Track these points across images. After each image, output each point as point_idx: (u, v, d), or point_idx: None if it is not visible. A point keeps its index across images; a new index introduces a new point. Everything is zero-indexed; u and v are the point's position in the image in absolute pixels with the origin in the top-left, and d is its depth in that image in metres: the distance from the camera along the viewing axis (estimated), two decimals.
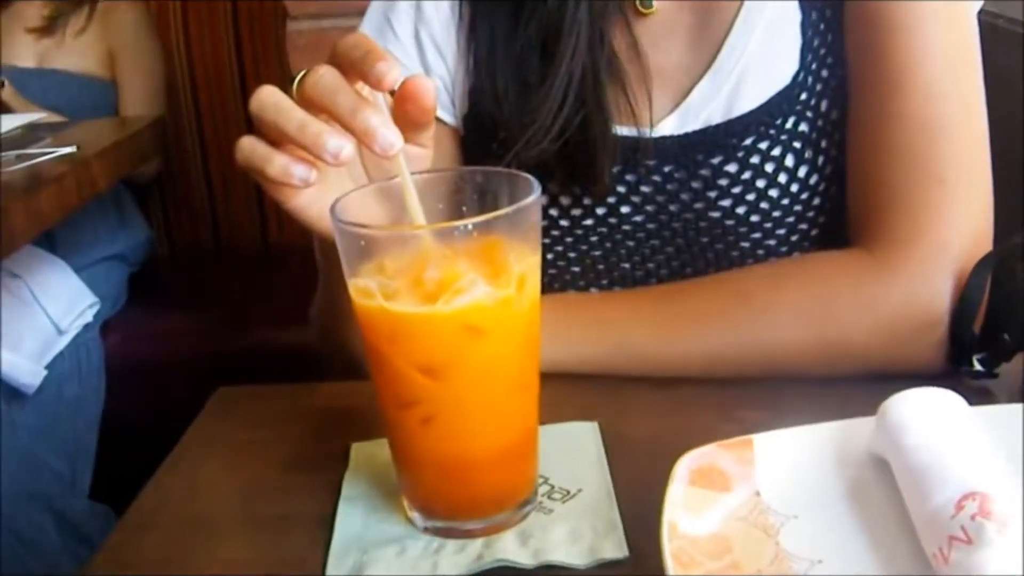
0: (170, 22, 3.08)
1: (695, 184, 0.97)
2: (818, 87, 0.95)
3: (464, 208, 0.69)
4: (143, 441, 1.30)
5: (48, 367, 2.30)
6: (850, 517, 0.62)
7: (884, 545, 0.60)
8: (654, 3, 0.98)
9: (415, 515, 0.69)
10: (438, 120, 0.99)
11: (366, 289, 0.64)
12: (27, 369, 2.24)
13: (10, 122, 2.34)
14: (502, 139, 0.99)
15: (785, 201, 0.95)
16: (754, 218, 0.96)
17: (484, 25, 1.01)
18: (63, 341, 2.36)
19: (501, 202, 0.66)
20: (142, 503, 0.77)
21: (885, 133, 0.88)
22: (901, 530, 0.60)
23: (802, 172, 0.95)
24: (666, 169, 0.98)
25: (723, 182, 0.96)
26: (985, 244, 0.86)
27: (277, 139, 0.69)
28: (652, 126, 0.97)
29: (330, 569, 0.66)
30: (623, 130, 0.97)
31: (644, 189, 0.98)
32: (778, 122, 0.95)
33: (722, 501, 0.63)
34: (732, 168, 0.96)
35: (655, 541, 0.57)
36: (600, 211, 0.99)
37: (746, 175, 0.95)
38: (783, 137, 0.95)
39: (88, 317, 2.43)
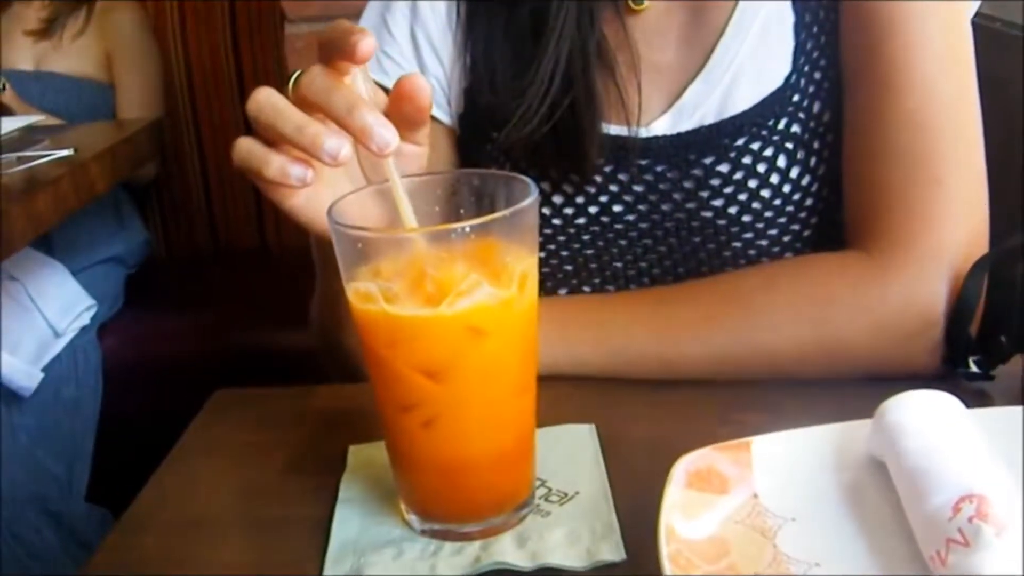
0: (167, 24, 3.08)
1: (687, 184, 0.97)
2: (810, 89, 0.95)
3: (461, 210, 0.69)
4: (141, 443, 1.30)
5: (45, 369, 2.30)
6: (848, 520, 0.62)
7: (882, 548, 0.60)
8: (646, 1, 0.98)
9: (412, 517, 0.69)
10: (434, 119, 1.00)
11: (366, 293, 0.64)
12: (24, 372, 2.24)
13: (8, 125, 2.34)
14: (497, 138, 1.00)
15: (777, 202, 0.96)
16: (746, 218, 0.96)
17: (480, 19, 1.02)
18: (60, 343, 2.36)
19: (498, 204, 0.67)
20: (139, 505, 0.77)
21: (880, 134, 0.89)
22: (898, 532, 0.60)
23: (794, 173, 0.95)
24: (658, 169, 0.98)
25: (715, 182, 0.96)
26: (981, 246, 0.86)
27: (274, 140, 0.69)
28: (641, 123, 0.98)
29: (327, 571, 0.66)
30: (615, 129, 0.98)
31: (636, 188, 0.99)
32: (770, 123, 0.95)
33: (720, 504, 0.63)
34: (724, 168, 0.96)
35: (652, 544, 0.57)
36: (592, 210, 1.00)
37: (738, 175, 0.96)
38: (775, 138, 0.95)
39: (85, 319, 2.43)
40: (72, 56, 2.78)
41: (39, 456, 2.25)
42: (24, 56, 2.80)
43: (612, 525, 0.67)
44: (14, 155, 2.03)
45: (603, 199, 0.99)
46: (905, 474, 0.61)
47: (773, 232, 0.96)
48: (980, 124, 0.89)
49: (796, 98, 0.95)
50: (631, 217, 1.00)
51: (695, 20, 0.98)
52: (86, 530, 2.27)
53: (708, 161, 0.96)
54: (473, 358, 0.64)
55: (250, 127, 0.70)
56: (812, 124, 0.95)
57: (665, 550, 0.56)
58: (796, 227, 0.97)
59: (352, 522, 0.71)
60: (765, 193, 0.96)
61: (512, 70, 0.99)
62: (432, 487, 0.69)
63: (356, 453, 0.79)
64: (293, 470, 0.79)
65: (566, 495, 0.71)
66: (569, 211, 1.00)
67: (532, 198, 0.64)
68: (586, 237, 1.01)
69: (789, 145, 0.95)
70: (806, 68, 0.95)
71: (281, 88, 0.70)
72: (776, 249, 0.97)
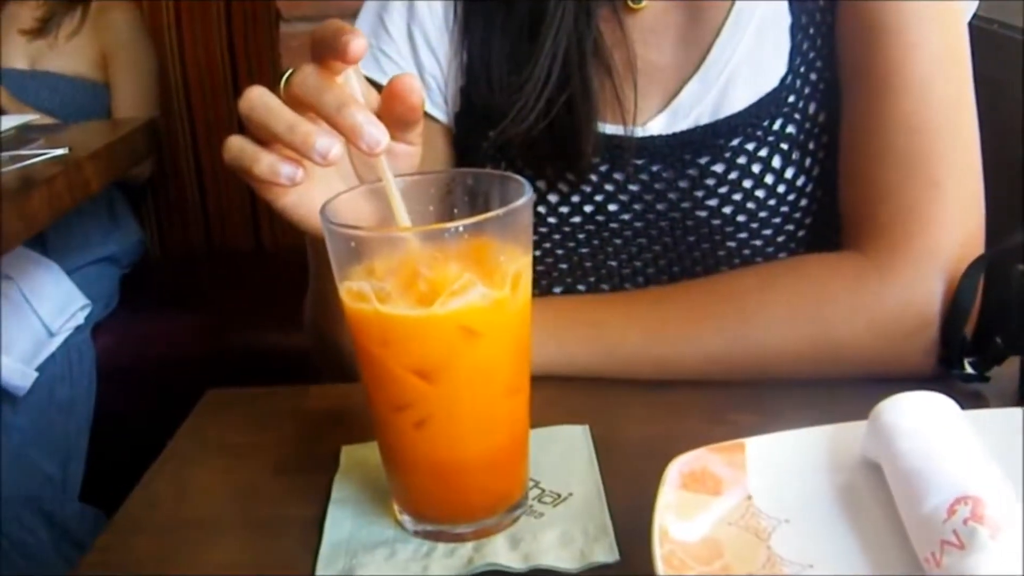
0: (163, 24, 3.08)
1: (682, 183, 0.97)
2: (806, 90, 0.95)
3: (455, 210, 0.69)
4: (135, 443, 1.29)
5: (39, 369, 2.29)
6: (842, 521, 0.62)
7: (876, 549, 0.59)
8: (644, 0, 0.98)
9: (405, 518, 0.69)
10: (431, 118, 1.01)
11: (359, 292, 0.63)
12: (18, 371, 2.24)
13: (2, 123, 2.33)
14: (493, 138, 1.00)
15: (772, 202, 0.96)
16: (740, 218, 0.96)
17: (478, 16, 1.02)
18: (54, 343, 2.35)
19: (492, 204, 0.66)
20: (131, 505, 0.76)
21: (877, 135, 0.89)
22: (893, 534, 0.59)
23: (789, 173, 0.95)
24: (654, 168, 0.98)
25: (710, 182, 0.96)
26: (977, 247, 0.86)
27: (266, 139, 0.69)
28: (637, 123, 0.98)
29: (319, 572, 0.65)
30: (611, 128, 0.98)
31: (632, 188, 0.99)
32: (765, 124, 0.95)
33: (713, 505, 0.63)
34: (719, 168, 0.96)
35: (646, 545, 0.57)
36: (588, 209, 1.00)
37: (733, 175, 0.96)
38: (770, 138, 0.95)
39: (79, 319, 2.43)
40: (67, 55, 2.78)
41: (33, 456, 2.25)
42: (19, 55, 2.80)
43: (605, 526, 0.67)
44: (8, 154, 2.03)
45: (598, 198, 0.99)
46: (900, 476, 0.60)
47: (768, 232, 0.96)
48: (976, 126, 0.89)
49: (792, 99, 0.95)
50: (626, 216, 0.99)
51: (692, 20, 0.98)
52: (80, 530, 2.26)
53: (703, 161, 0.96)
54: (466, 358, 0.64)
55: (244, 126, 0.70)
56: (807, 125, 0.95)
57: (659, 551, 0.56)
58: (791, 227, 0.96)
59: (345, 522, 0.70)
60: (760, 193, 0.95)
61: (509, 67, 0.99)
62: (425, 488, 0.68)
63: (349, 453, 0.79)
64: (285, 470, 0.79)
65: (559, 496, 0.71)
66: (564, 210, 1.00)
67: (526, 198, 0.63)
68: (581, 236, 1.01)
69: (784, 146, 0.95)
70: (802, 69, 0.95)
71: (275, 87, 0.70)
72: (771, 249, 0.97)
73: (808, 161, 0.96)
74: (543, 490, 0.72)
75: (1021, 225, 0.93)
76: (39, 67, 2.78)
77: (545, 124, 0.96)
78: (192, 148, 3.12)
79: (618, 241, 1.00)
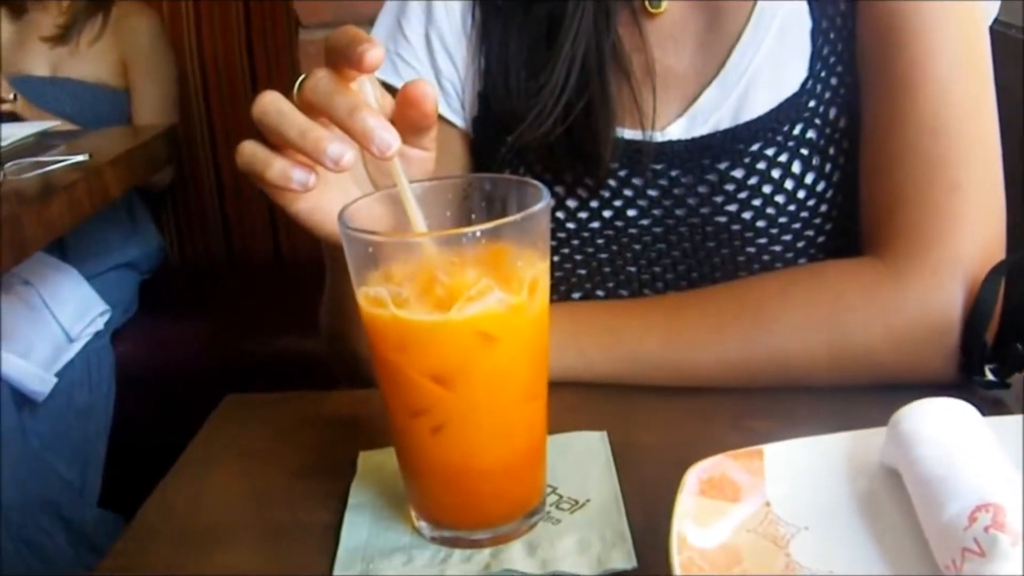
0: (183, 31, 3.09)
1: (702, 189, 0.97)
2: (827, 94, 0.95)
3: (472, 215, 0.69)
4: (153, 449, 1.30)
5: (58, 375, 2.30)
6: (861, 529, 0.62)
7: (896, 557, 0.59)
8: (663, 4, 0.98)
9: (422, 524, 0.69)
10: (448, 123, 1.01)
11: (376, 297, 0.63)
12: (37, 376, 2.25)
13: (23, 130, 2.35)
14: (511, 143, 0.99)
15: (791, 207, 0.95)
16: (760, 223, 0.96)
17: (496, 20, 1.02)
18: (74, 349, 2.36)
19: (510, 209, 0.66)
20: (149, 510, 0.76)
21: (897, 139, 0.88)
22: (913, 542, 0.59)
23: (809, 179, 0.95)
24: (673, 173, 0.98)
25: (730, 187, 0.96)
26: (998, 252, 0.85)
27: (279, 144, 0.69)
28: (656, 127, 0.97)
29: None
30: (629, 133, 0.98)
31: (651, 193, 0.98)
32: (786, 128, 0.95)
33: (732, 512, 0.62)
34: (739, 173, 0.96)
35: (664, 552, 0.56)
36: (606, 214, 0.99)
37: (753, 180, 0.95)
38: (791, 144, 0.95)
39: (99, 325, 2.44)
40: (88, 62, 2.80)
41: (51, 461, 2.25)
42: (40, 62, 2.81)
43: (623, 533, 0.67)
44: (29, 160, 2.04)
45: (617, 203, 0.99)
46: (920, 483, 0.60)
47: (787, 238, 0.96)
48: (997, 130, 0.89)
49: (812, 104, 0.95)
50: (645, 221, 0.99)
51: (712, 25, 0.98)
52: (98, 536, 2.27)
53: (723, 166, 0.96)
54: (483, 364, 0.64)
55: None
56: (828, 130, 0.95)
57: (677, 558, 0.56)
58: (810, 233, 0.96)
59: (361, 528, 0.70)
60: (780, 199, 0.95)
61: (527, 71, 0.99)
62: (442, 493, 0.68)
63: (366, 459, 0.79)
64: (302, 476, 0.79)
65: (577, 502, 0.71)
66: (583, 215, 1.00)
67: (544, 203, 0.63)
68: (600, 241, 1.00)
69: (804, 151, 0.95)
70: (823, 74, 0.95)
71: (292, 94, 0.70)
72: (790, 255, 0.96)
73: (828, 166, 0.95)
74: (560, 496, 0.72)
75: None
76: (60, 74, 2.80)
77: (563, 129, 0.96)
78: (211, 155, 3.12)
79: (637, 247, 1.00)
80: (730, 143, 0.96)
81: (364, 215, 0.66)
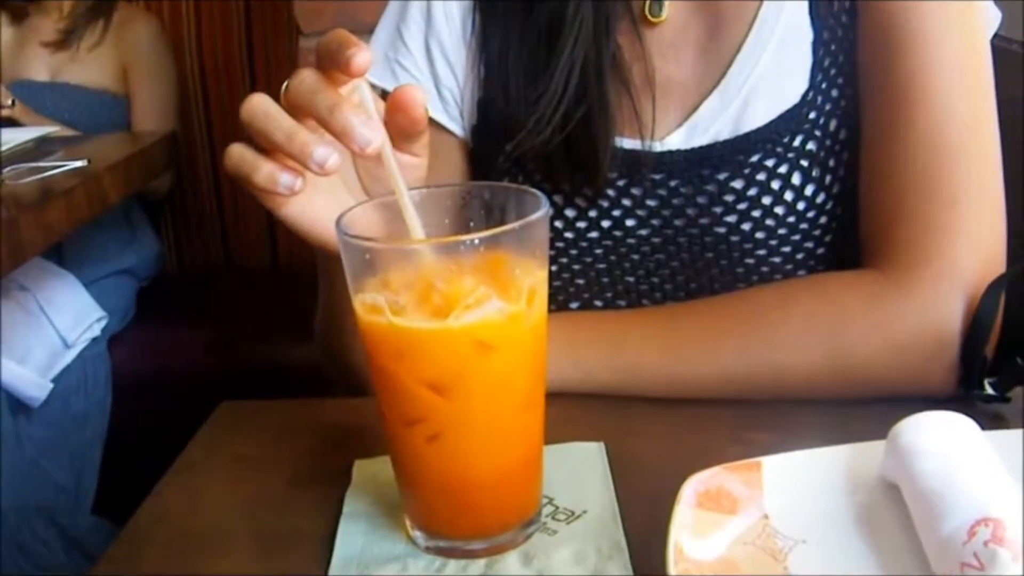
0: (183, 38, 3.09)
1: (701, 199, 0.97)
2: (827, 106, 0.95)
3: (471, 223, 0.68)
4: (149, 456, 1.29)
5: (55, 380, 2.29)
6: (860, 542, 0.62)
7: (894, 571, 0.59)
8: (664, 13, 0.98)
9: (417, 534, 0.68)
10: (447, 131, 1.01)
11: (373, 305, 0.63)
12: (33, 382, 2.24)
13: (22, 135, 2.34)
14: (510, 151, 0.99)
15: (791, 219, 0.95)
16: (759, 235, 0.96)
17: (496, 26, 1.02)
18: (70, 355, 2.35)
19: (508, 217, 0.66)
20: (142, 516, 0.76)
21: (897, 153, 0.88)
22: (912, 556, 0.59)
23: (808, 190, 0.95)
24: (672, 183, 0.97)
25: (729, 198, 0.96)
26: (998, 265, 0.85)
27: (267, 147, 0.69)
28: (655, 137, 0.97)
29: None
30: (629, 142, 0.98)
31: (650, 203, 0.98)
32: (786, 140, 0.94)
33: (729, 524, 0.62)
34: (738, 184, 0.95)
35: (661, 564, 0.56)
36: (605, 224, 0.99)
37: (752, 191, 0.95)
38: (790, 155, 0.94)
39: (96, 331, 2.43)
40: (88, 67, 2.79)
41: (47, 467, 2.25)
42: (40, 67, 2.81)
43: (620, 544, 0.66)
44: (27, 165, 2.04)
45: (616, 213, 0.99)
46: (919, 497, 0.60)
47: (786, 249, 0.96)
48: (998, 144, 0.89)
49: (812, 115, 0.95)
50: (644, 231, 0.99)
51: (712, 35, 0.98)
52: (91, 543, 2.26)
53: (722, 177, 0.96)
54: (480, 373, 0.63)
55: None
56: (828, 142, 0.95)
57: (673, 570, 0.56)
58: (810, 245, 0.96)
59: (356, 537, 0.70)
60: (779, 210, 0.95)
61: (526, 79, 0.99)
62: (437, 503, 0.68)
63: (361, 467, 0.78)
64: (297, 483, 0.78)
65: (573, 513, 0.71)
66: (581, 225, 1.00)
67: (542, 211, 0.63)
68: (598, 251, 1.00)
69: (804, 162, 0.94)
70: (823, 85, 0.95)
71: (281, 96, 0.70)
72: (789, 266, 0.96)
73: (828, 178, 0.95)
74: (557, 507, 0.71)
75: None
76: (59, 79, 2.79)
77: (562, 137, 0.96)
78: (211, 162, 3.13)
79: (636, 257, 1.00)
80: (730, 154, 0.95)
81: (362, 222, 0.66)
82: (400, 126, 0.71)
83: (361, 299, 0.64)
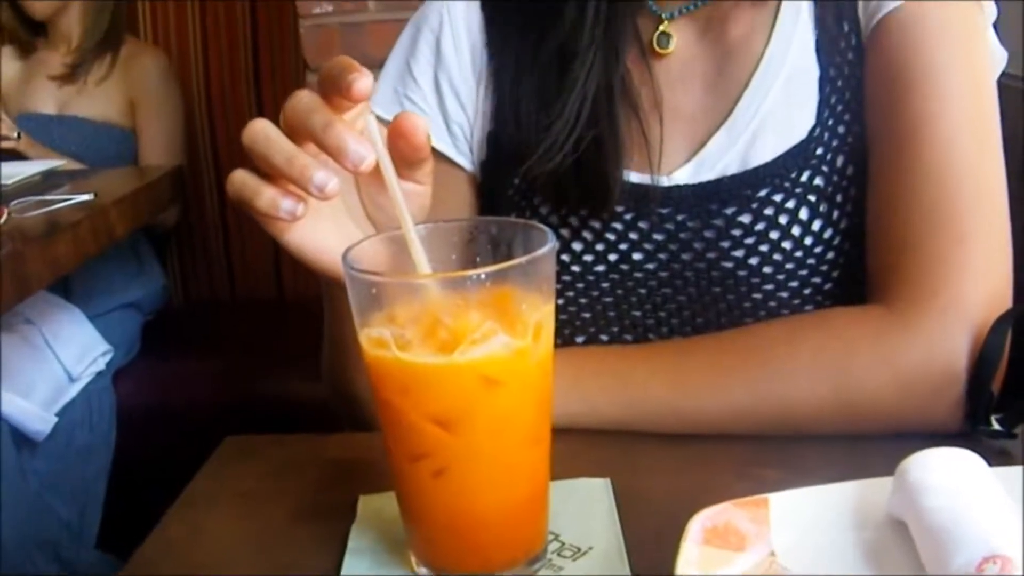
0: (191, 72, 3.11)
1: (708, 234, 0.97)
2: (834, 142, 0.95)
3: (478, 258, 0.69)
4: (153, 490, 1.29)
5: (59, 414, 2.29)
6: None
7: None
8: (671, 45, 0.99)
9: (422, 570, 0.68)
10: (456, 165, 1.02)
11: (379, 339, 0.63)
12: (38, 416, 2.24)
13: (30, 168, 2.35)
14: (519, 183, 1.00)
15: (798, 254, 0.95)
16: (767, 270, 0.96)
17: (507, 57, 1.03)
18: (75, 388, 2.36)
19: (515, 252, 0.66)
20: (146, 550, 0.76)
21: (903, 189, 0.88)
22: None
23: (816, 226, 0.95)
24: (679, 218, 0.98)
25: (737, 233, 0.96)
26: (1004, 301, 0.85)
27: (269, 172, 0.69)
28: (663, 171, 0.98)
29: None
30: (636, 176, 0.98)
31: (657, 237, 0.98)
32: (793, 175, 0.95)
33: (736, 561, 0.62)
34: (746, 219, 0.96)
35: None
36: (612, 258, 0.99)
37: (760, 226, 0.95)
38: (798, 190, 0.94)
39: (100, 365, 2.43)
40: (95, 101, 2.81)
41: (50, 501, 2.25)
42: (47, 100, 2.83)
43: None
44: (34, 198, 2.04)
45: (623, 247, 0.99)
46: (927, 533, 0.59)
47: (794, 284, 0.96)
48: (1004, 181, 0.89)
49: (820, 151, 0.95)
50: (651, 266, 0.99)
51: (720, 70, 0.99)
52: None
53: (730, 211, 0.96)
54: (486, 408, 0.63)
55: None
56: (835, 177, 0.95)
57: None
58: (817, 280, 0.96)
59: (361, 573, 0.69)
60: (787, 245, 0.95)
61: (538, 105, 1.00)
62: (442, 539, 0.68)
63: (367, 503, 0.78)
64: (302, 519, 0.78)
65: (579, 550, 0.70)
66: (589, 258, 1.00)
67: (549, 246, 0.63)
68: (605, 285, 1.00)
69: (812, 198, 0.95)
70: (830, 122, 0.95)
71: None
72: (797, 302, 0.96)
73: (836, 214, 0.95)
74: (563, 543, 0.71)
75: None
76: (67, 112, 2.81)
77: (572, 164, 0.96)
78: (217, 196, 3.14)
79: (642, 291, 1.00)
80: (738, 188, 0.96)
81: (368, 256, 0.66)
82: (403, 153, 0.71)
83: (367, 333, 0.64)
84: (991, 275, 0.85)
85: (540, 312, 0.63)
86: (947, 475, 0.63)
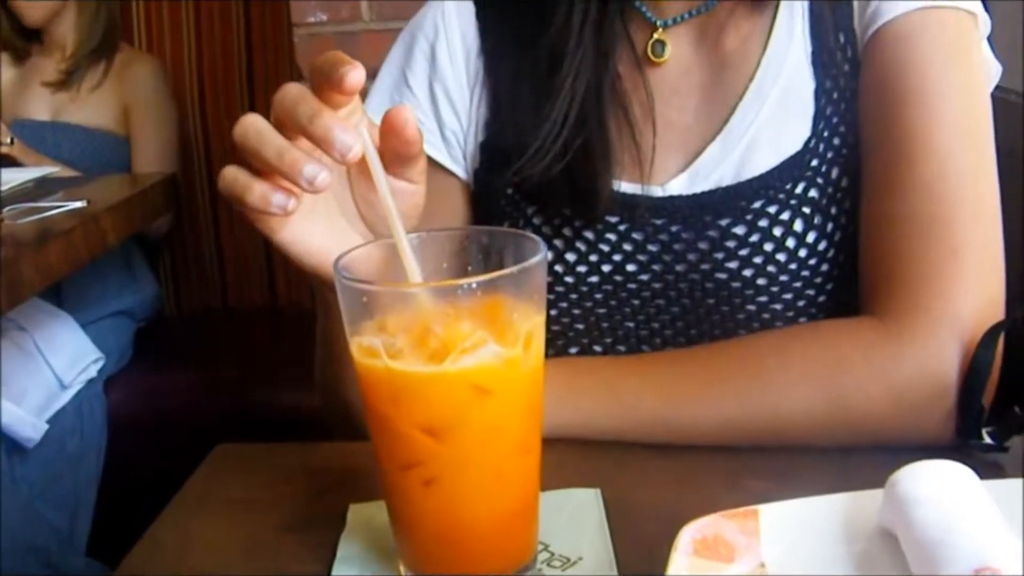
0: (184, 79, 3.11)
1: (702, 245, 0.97)
2: (829, 154, 0.95)
3: (469, 267, 0.69)
4: (143, 497, 1.29)
5: (50, 421, 2.30)
6: None
7: None
8: (666, 54, 0.99)
9: None
10: (450, 173, 1.03)
11: (370, 348, 0.63)
12: (29, 423, 2.25)
13: (22, 175, 2.35)
14: (511, 195, 1.01)
15: (792, 265, 0.95)
16: (760, 281, 0.96)
17: (501, 60, 1.04)
18: (66, 396, 2.36)
19: (506, 262, 0.66)
20: (135, 557, 0.76)
21: (897, 203, 0.88)
22: None
23: (810, 237, 0.95)
24: (673, 228, 0.98)
25: (731, 244, 0.96)
26: (997, 314, 0.85)
27: (260, 167, 0.69)
28: (657, 182, 0.98)
29: None
30: (629, 186, 0.99)
31: (651, 247, 0.98)
32: (788, 187, 0.95)
33: (726, 572, 0.62)
34: (740, 230, 0.96)
35: None
36: (606, 268, 0.99)
37: (754, 238, 0.95)
38: (792, 202, 0.95)
39: (92, 372, 2.44)
40: (89, 108, 2.81)
41: (41, 508, 2.25)
42: (41, 107, 2.83)
43: None
44: (27, 205, 2.05)
45: (617, 258, 0.99)
46: (917, 546, 0.59)
47: (787, 296, 0.96)
48: (997, 194, 0.89)
49: (814, 163, 0.95)
50: (644, 276, 0.99)
51: (715, 81, 0.99)
52: None
53: (724, 223, 0.96)
54: (476, 417, 0.63)
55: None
56: (830, 189, 0.95)
57: None
58: (811, 292, 0.96)
59: None
60: (781, 256, 0.95)
61: (529, 107, 1.00)
62: (432, 548, 0.67)
63: (356, 512, 0.78)
64: (292, 527, 0.78)
65: (569, 560, 0.70)
66: (582, 269, 1.00)
67: (540, 256, 0.63)
68: (598, 296, 1.00)
69: (806, 209, 0.95)
70: (825, 133, 0.95)
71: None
72: (790, 313, 0.96)
73: (830, 225, 0.95)
74: (552, 553, 0.71)
75: None
76: (61, 119, 2.81)
77: (562, 166, 0.97)
78: (210, 204, 3.14)
79: (636, 302, 1.00)
80: (732, 200, 0.96)
81: (360, 264, 0.66)
82: (394, 149, 0.71)
83: (358, 342, 0.64)
84: (984, 289, 0.85)
85: (531, 321, 0.63)
86: (937, 488, 0.63)
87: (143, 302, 2.72)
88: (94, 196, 2.13)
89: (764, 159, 0.96)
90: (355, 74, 0.65)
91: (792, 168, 0.95)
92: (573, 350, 1.01)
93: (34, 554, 2.19)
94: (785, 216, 0.95)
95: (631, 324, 1.00)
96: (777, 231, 0.95)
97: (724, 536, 0.64)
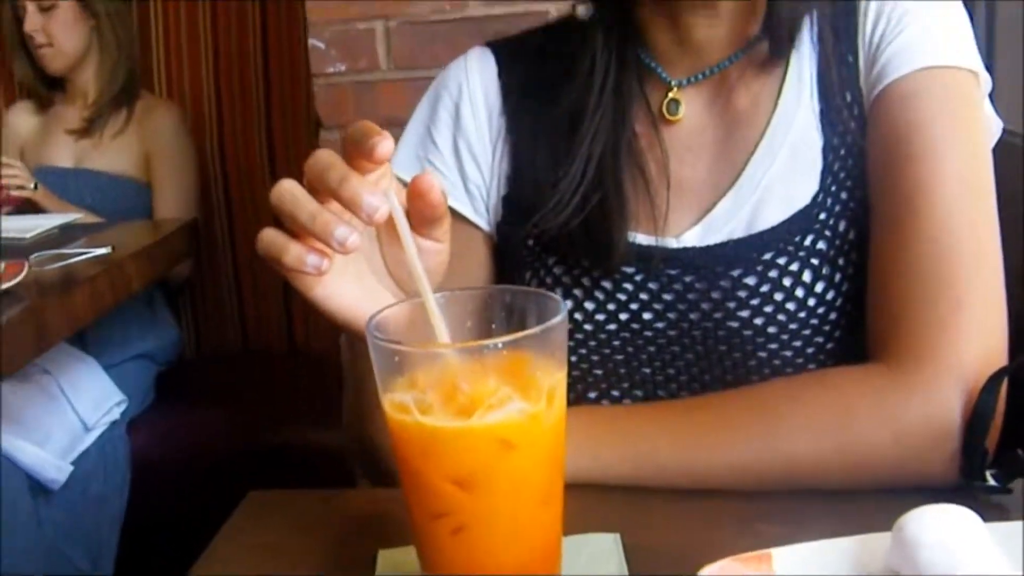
0: (205, 126, 3.14)
1: (715, 295, 1.00)
2: (836, 208, 0.98)
3: (493, 325, 0.71)
4: (165, 539, 1.31)
5: (74, 463, 2.31)
6: None
7: None
8: (680, 112, 1.03)
9: None
10: (473, 225, 1.06)
11: (402, 404, 0.65)
12: (53, 465, 2.25)
13: (47, 222, 2.38)
14: (532, 246, 1.04)
15: (802, 315, 0.98)
16: (771, 329, 0.98)
17: (523, 119, 1.08)
18: (90, 438, 2.37)
19: (529, 320, 0.68)
20: None
21: (903, 255, 0.91)
22: None
23: (819, 288, 0.97)
24: (687, 279, 1.00)
25: (742, 294, 0.99)
26: (998, 361, 0.87)
27: (295, 230, 0.73)
28: (672, 234, 1.01)
29: None
30: (645, 239, 1.01)
31: (666, 297, 1.01)
32: (797, 239, 0.97)
33: None
34: (751, 281, 0.98)
35: None
36: (623, 317, 1.02)
37: (765, 288, 0.98)
38: (802, 254, 0.97)
39: (115, 415, 2.45)
40: (111, 154, 2.84)
41: (65, 549, 2.25)
42: (64, 154, 2.86)
43: None
44: (52, 252, 2.07)
45: (633, 306, 1.02)
46: None
47: (797, 344, 0.98)
48: (999, 246, 0.92)
49: (823, 216, 0.98)
50: (660, 325, 1.02)
51: (727, 138, 1.02)
52: None
53: (736, 273, 0.99)
54: (502, 469, 0.65)
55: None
56: (838, 242, 0.98)
57: None
58: (820, 339, 0.98)
59: None
60: (790, 306, 0.98)
61: (549, 163, 1.04)
62: None
63: (385, 557, 0.80)
64: (324, 572, 0.80)
65: None
66: (600, 317, 1.03)
67: (561, 316, 0.65)
68: (616, 343, 1.03)
69: (815, 261, 0.97)
70: (833, 188, 0.98)
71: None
72: (800, 360, 0.98)
73: (838, 277, 0.98)
74: None
75: None
76: (83, 166, 2.84)
77: (580, 220, 1.00)
78: (230, 248, 3.15)
79: (652, 349, 1.02)
80: (744, 252, 0.99)
81: (391, 323, 0.69)
82: (420, 211, 0.75)
83: (389, 398, 0.66)
84: (987, 338, 0.87)
85: (553, 378, 0.66)
86: (943, 531, 0.64)
87: (165, 345, 2.74)
88: (117, 242, 2.16)
89: (774, 213, 0.99)
90: (385, 144, 0.69)
91: (801, 221, 0.98)
92: (592, 395, 1.04)
93: None
94: (794, 267, 0.97)
95: (647, 370, 1.03)
96: (787, 282, 0.97)
97: None
